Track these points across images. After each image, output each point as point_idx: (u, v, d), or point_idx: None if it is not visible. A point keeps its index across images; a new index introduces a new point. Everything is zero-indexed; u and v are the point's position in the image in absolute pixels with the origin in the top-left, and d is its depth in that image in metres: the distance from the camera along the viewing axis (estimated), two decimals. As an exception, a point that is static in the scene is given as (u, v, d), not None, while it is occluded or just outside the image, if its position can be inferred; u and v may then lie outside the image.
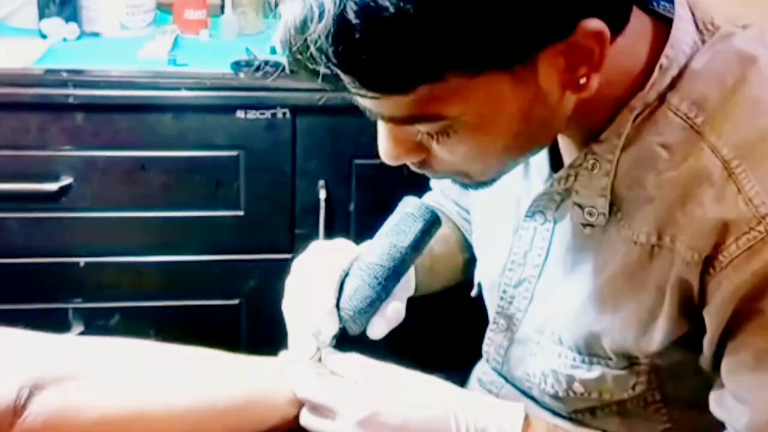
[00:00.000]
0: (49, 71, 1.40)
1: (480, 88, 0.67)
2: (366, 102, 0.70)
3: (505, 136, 0.73)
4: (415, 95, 0.67)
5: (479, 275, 1.01)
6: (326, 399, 0.82)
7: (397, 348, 0.93)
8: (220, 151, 1.46)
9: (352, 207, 1.54)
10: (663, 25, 0.78)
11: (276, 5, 0.67)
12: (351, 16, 0.61)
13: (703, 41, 0.78)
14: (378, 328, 0.88)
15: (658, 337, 0.80)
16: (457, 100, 0.68)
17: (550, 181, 0.85)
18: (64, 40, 1.52)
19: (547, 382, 0.90)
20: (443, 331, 1.53)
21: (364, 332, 0.88)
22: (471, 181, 0.81)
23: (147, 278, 1.53)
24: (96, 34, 1.58)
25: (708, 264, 0.74)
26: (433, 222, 0.89)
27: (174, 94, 1.41)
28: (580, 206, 0.82)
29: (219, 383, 0.84)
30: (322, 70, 0.65)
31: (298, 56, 0.65)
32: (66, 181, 1.43)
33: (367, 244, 0.91)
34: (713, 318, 0.76)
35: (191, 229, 1.50)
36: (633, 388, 0.85)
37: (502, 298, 0.94)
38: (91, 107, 1.40)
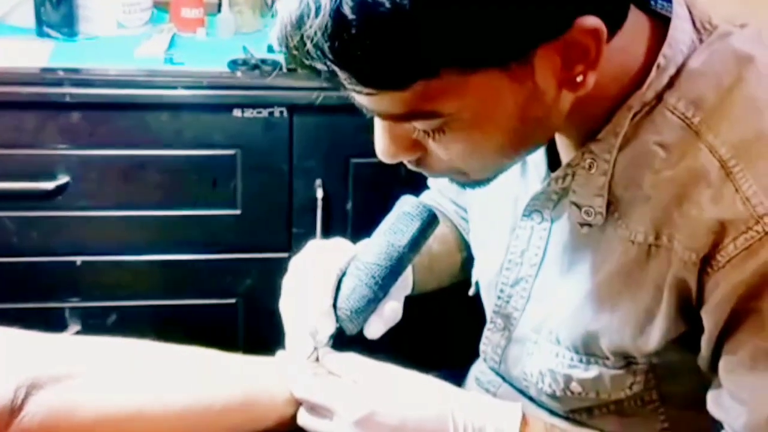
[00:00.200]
0: (45, 70, 1.40)
1: (476, 85, 0.67)
2: (362, 99, 0.70)
3: (502, 133, 0.73)
4: (410, 92, 0.67)
5: (476, 274, 1.01)
6: (323, 399, 0.82)
7: (395, 347, 0.93)
8: (217, 150, 1.46)
9: (349, 206, 1.54)
10: (660, 24, 0.78)
11: (272, 3, 0.67)
12: (347, 11, 0.61)
13: (701, 40, 0.78)
14: (375, 328, 0.88)
15: (655, 336, 0.80)
16: (453, 97, 0.68)
17: (548, 181, 0.85)
18: (61, 39, 1.52)
19: (545, 381, 0.90)
20: (440, 330, 1.53)
21: (361, 332, 0.88)
22: (468, 180, 0.81)
23: (144, 277, 1.53)
24: (92, 34, 1.58)
25: (706, 264, 0.74)
26: (430, 221, 0.89)
27: (171, 92, 1.41)
28: (578, 205, 0.82)
29: (216, 383, 0.84)
30: (319, 66, 0.65)
31: (295, 52, 0.65)
32: (63, 179, 1.42)
33: (364, 243, 0.91)
34: (711, 318, 0.76)
35: (188, 228, 1.50)
36: (630, 387, 0.85)
37: (499, 297, 0.94)
38: (87, 106, 1.40)
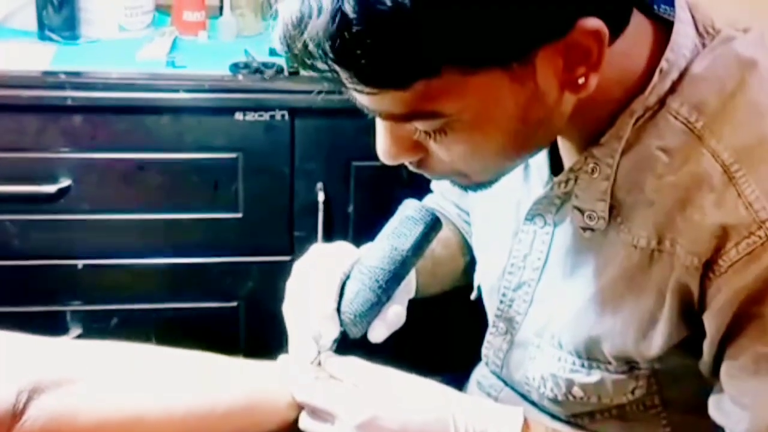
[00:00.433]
0: (47, 73, 1.40)
1: (477, 85, 0.67)
2: (364, 99, 0.70)
3: (503, 135, 0.73)
4: (412, 91, 0.67)
5: (479, 278, 1.01)
6: (325, 403, 0.82)
7: (397, 351, 0.93)
8: (219, 153, 1.46)
9: (350, 209, 1.54)
10: (663, 28, 0.78)
11: (273, 4, 0.67)
12: (348, 10, 0.61)
13: (704, 45, 0.78)
14: (379, 332, 0.87)
15: (657, 341, 0.80)
16: (454, 97, 0.68)
17: (550, 185, 0.85)
18: (63, 42, 1.52)
19: (547, 385, 0.90)
20: (443, 334, 1.53)
21: (364, 336, 0.88)
22: (469, 182, 0.81)
23: (145, 280, 1.52)
24: (94, 37, 1.58)
25: (708, 268, 0.74)
26: (433, 225, 0.89)
27: (172, 96, 1.41)
28: (580, 210, 0.82)
29: (218, 387, 0.84)
30: (320, 65, 0.65)
31: (296, 53, 0.65)
32: (64, 183, 1.42)
33: (367, 247, 0.91)
34: (713, 322, 0.75)
35: (190, 231, 1.50)
36: (632, 392, 0.85)
37: (501, 302, 0.94)
38: (89, 109, 1.40)
